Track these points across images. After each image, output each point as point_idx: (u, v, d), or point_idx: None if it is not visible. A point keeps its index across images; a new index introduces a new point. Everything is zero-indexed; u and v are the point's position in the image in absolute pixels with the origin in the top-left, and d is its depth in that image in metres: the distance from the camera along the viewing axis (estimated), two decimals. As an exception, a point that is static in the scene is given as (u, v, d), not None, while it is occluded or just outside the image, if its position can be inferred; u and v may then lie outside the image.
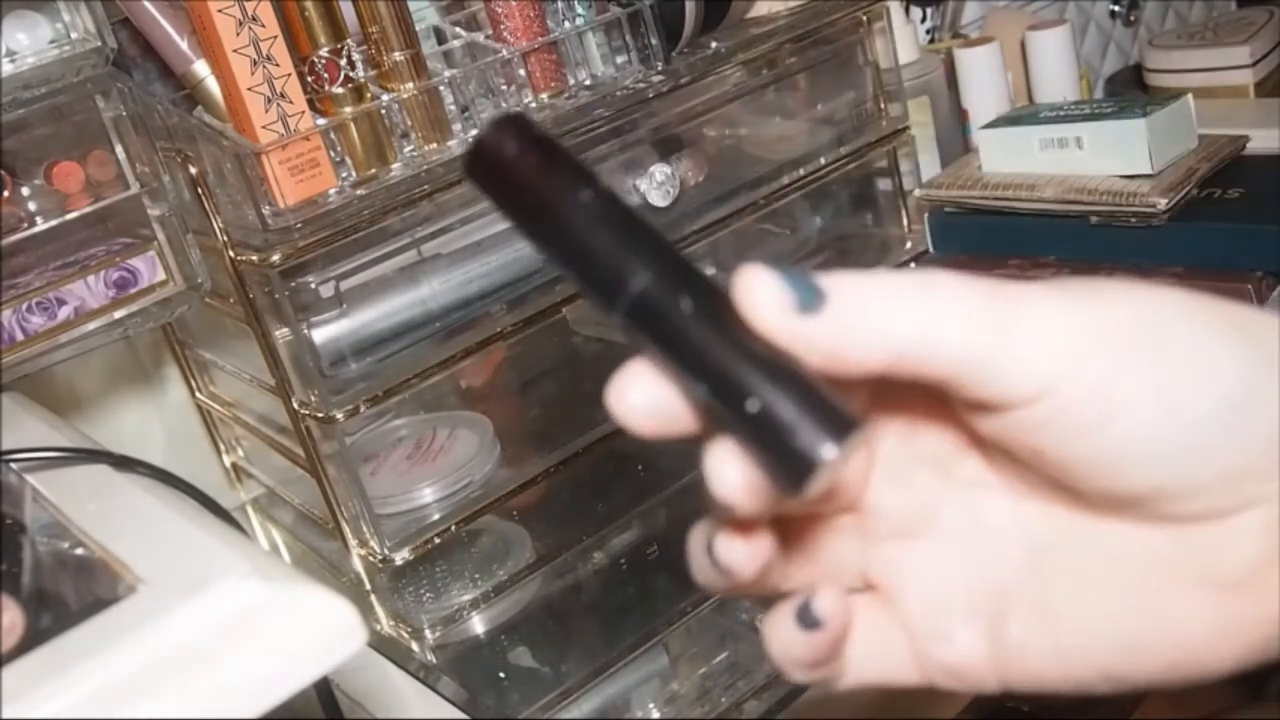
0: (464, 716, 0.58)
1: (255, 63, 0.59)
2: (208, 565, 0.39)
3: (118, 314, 0.62)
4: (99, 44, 0.60)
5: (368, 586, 0.70)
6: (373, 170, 0.63)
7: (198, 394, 0.82)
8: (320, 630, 0.37)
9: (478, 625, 0.65)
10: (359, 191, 0.62)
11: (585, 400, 0.76)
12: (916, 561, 0.32)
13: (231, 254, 0.61)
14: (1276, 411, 0.27)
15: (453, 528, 0.68)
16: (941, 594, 0.31)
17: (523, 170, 0.29)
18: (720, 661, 0.59)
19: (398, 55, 0.64)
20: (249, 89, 0.59)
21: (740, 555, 0.29)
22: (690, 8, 0.74)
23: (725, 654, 0.59)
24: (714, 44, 0.76)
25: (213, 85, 0.64)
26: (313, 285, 0.64)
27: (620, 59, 0.73)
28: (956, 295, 0.27)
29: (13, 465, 0.49)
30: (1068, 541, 0.30)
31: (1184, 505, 0.28)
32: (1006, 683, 0.31)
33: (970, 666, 0.31)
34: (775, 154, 0.83)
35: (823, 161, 0.84)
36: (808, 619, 0.30)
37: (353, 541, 0.68)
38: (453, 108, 0.67)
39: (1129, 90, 1.22)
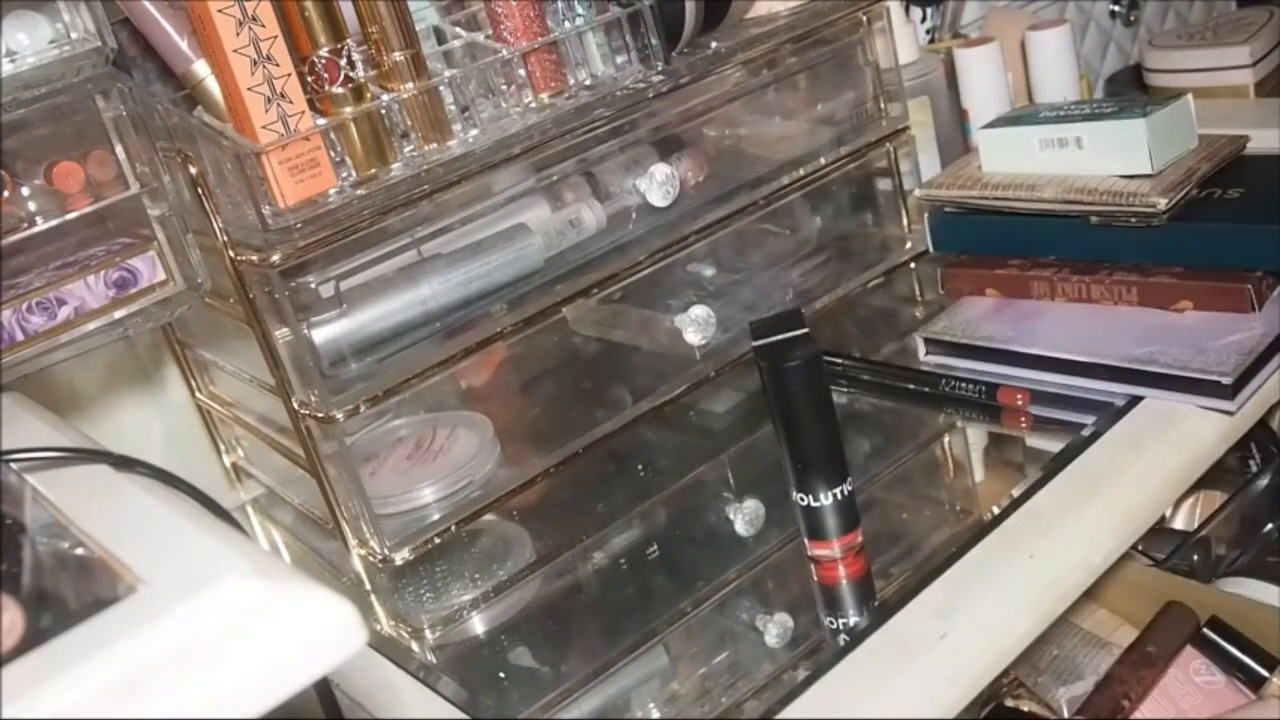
0: (464, 716, 0.58)
1: (255, 63, 0.59)
2: (208, 565, 0.39)
3: (118, 314, 0.62)
4: (99, 44, 0.60)
5: (368, 586, 0.70)
6: (373, 170, 0.63)
7: (198, 394, 0.82)
8: (320, 630, 0.37)
9: (478, 625, 0.65)
10: (359, 191, 0.62)
11: (585, 400, 0.76)
12: None
13: (231, 254, 0.61)
14: None
15: (453, 528, 0.68)
16: None
17: None
18: (720, 661, 0.59)
19: (398, 55, 0.64)
20: (249, 89, 0.59)
21: None
22: (690, 8, 0.74)
23: (725, 654, 0.59)
24: (714, 44, 0.76)
25: (213, 85, 0.64)
26: (313, 285, 0.64)
27: (620, 59, 0.73)
28: None
29: (13, 465, 0.49)
30: None
31: None
32: None
33: None
34: (775, 154, 0.83)
35: (823, 161, 0.84)
36: None
37: (353, 541, 0.68)
38: (453, 108, 0.67)
39: (1129, 90, 1.22)
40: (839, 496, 0.59)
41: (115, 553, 0.41)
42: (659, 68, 0.73)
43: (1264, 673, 0.71)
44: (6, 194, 0.59)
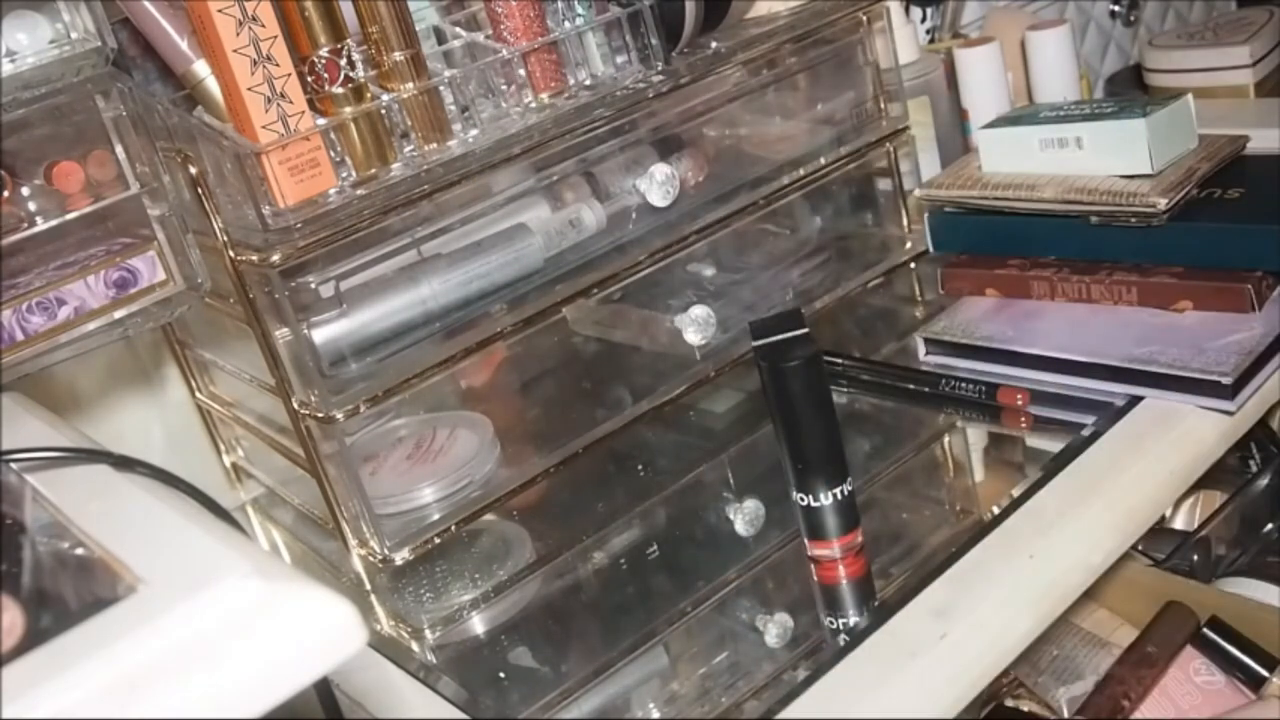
0: (464, 716, 0.58)
1: (255, 63, 0.59)
2: (208, 565, 0.39)
3: (118, 314, 0.62)
4: (99, 44, 0.60)
5: (368, 586, 0.70)
6: (373, 170, 0.63)
7: (198, 394, 0.82)
8: (320, 630, 0.37)
9: (478, 625, 0.65)
10: (359, 191, 0.62)
11: (585, 400, 0.76)
12: None
13: (231, 254, 0.61)
14: None
15: (453, 528, 0.68)
16: None
17: None
18: (720, 661, 0.59)
19: (398, 55, 0.64)
20: (249, 89, 0.59)
21: None
22: (690, 8, 0.74)
23: (725, 654, 0.59)
24: (714, 44, 0.76)
25: (213, 85, 0.64)
26: (313, 285, 0.64)
27: (620, 59, 0.73)
28: None
29: (13, 465, 0.49)
30: None
31: None
32: None
33: None
34: (775, 154, 0.83)
35: (823, 161, 0.84)
36: None
37: (353, 541, 0.68)
38: (453, 108, 0.67)
39: (1129, 90, 1.22)
40: (839, 496, 0.59)
41: (115, 553, 0.41)
42: (659, 68, 0.73)
43: (1264, 673, 0.71)
44: (6, 194, 0.59)
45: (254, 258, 0.60)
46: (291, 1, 0.60)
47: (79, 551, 0.41)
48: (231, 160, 0.60)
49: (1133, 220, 0.73)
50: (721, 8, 0.77)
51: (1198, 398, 0.66)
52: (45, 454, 0.50)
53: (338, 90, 0.62)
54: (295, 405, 0.65)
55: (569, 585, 0.67)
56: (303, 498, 0.75)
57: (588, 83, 0.72)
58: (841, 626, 0.58)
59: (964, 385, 0.74)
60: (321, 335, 0.64)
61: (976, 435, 0.73)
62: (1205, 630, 0.73)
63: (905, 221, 0.91)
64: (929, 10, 1.17)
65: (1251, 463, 0.88)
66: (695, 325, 0.76)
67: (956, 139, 1.00)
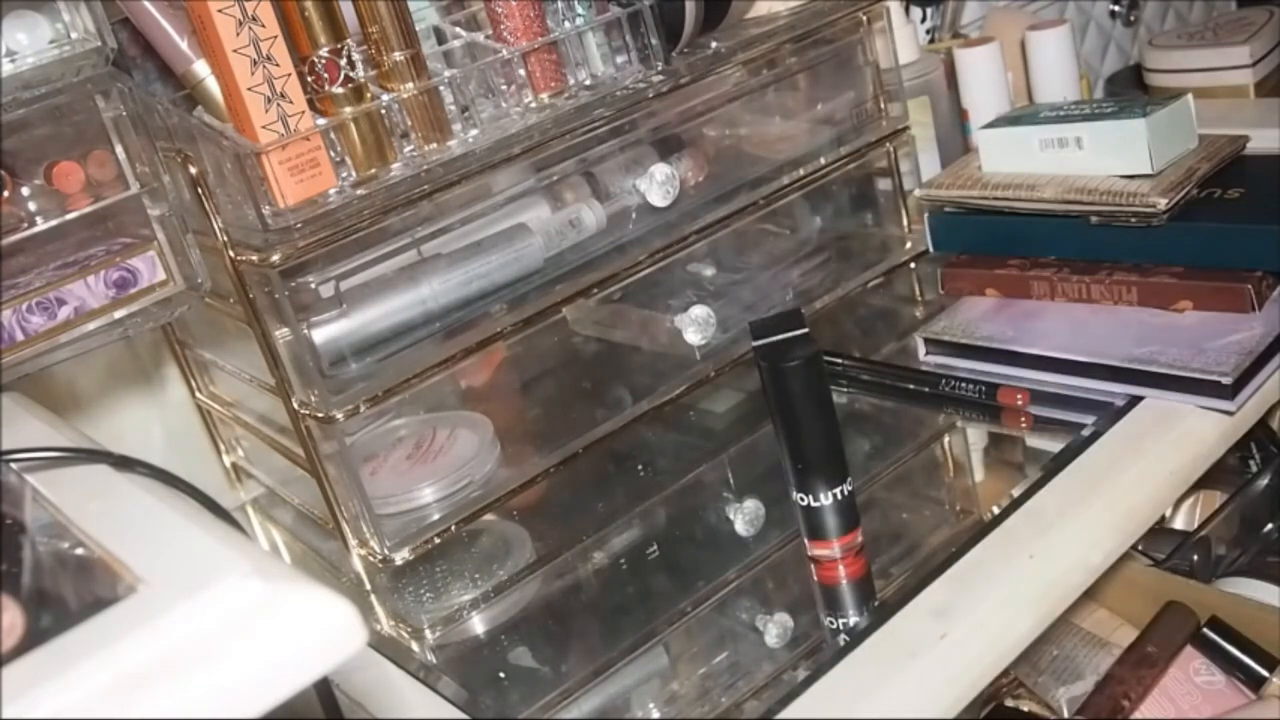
0: (464, 716, 0.58)
1: (255, 63, 0.59)
2: (208, 565, 0.39)
3: (118, 314, 0.62)
4: (99, 44, 0.60)
5: (368, 586, 0.70)
6: (373, 170, 0.63)
7: (198, 394, 0.82)
8: (320, 630, 0.37)
9: (478, 625, 0.65)
10: (359, 191, 0.62)
11: (585, 400, 0.76)
12: None
13: (231, 254, 0.61)
14: None
15: (453, 528, 0.68)
16: None
17: None
18: (720, 661, 0.59)
19: (398, 55, 0.64)
20: (249, 89, 0.59)
21: None
22: (690, 8, 0.74)
23: (725, 654, 0.59)
24: (714, 44, 0.76)
25: (213, 85, 0.64)
26: (313, 285, 0.64)
27: (620, 59, 0.73)
28: None
29: (13, 465, 0.49)
30: None
31: None
32: None
33: None
34: (775, 154, 0.83)
35: (823, 161, 0.84)
36: None
37: (353, 541, 0.68)
38: (453, 108, 0.67)
39: (1129, 90, 1.22)
40: (839, 496, 0.59)
41: (115, 553, 0.41)
42: (659, 68, 0.73)
43: (1264, 673, 0.71)
44: (6, 194, 0.59)
45: (254, 258, 0.60)
46: (291, 1, 0.60)
47: (79, 551, 0.41)
48: (231, 160, 0.60)
49: (1133, 220, 0.73)
50: (721, 8, 0.77)
51: (1198, 398, 0.66)
52: (45, 454, 0.50)
53: (338, 90, 0.62)
54: (295, 405, 0.65)
55: (569, 585, 0.67)
56: (303, 498, 0.75)
57: (588, 83, 0.72)
58: (841, 626, 0.58)
59: (964, 385, 0.74)
60: (321, 335, 0.64)
61: (976, 435, 0.73)
62: (1205, 630, 0.73)
63: (905, 221, 0.91)
64: (929, 10, 1.17)
65: (1251, 463, 0.88)
66: (695, 325, 0.76)
67: (956, 139, 1.00)
